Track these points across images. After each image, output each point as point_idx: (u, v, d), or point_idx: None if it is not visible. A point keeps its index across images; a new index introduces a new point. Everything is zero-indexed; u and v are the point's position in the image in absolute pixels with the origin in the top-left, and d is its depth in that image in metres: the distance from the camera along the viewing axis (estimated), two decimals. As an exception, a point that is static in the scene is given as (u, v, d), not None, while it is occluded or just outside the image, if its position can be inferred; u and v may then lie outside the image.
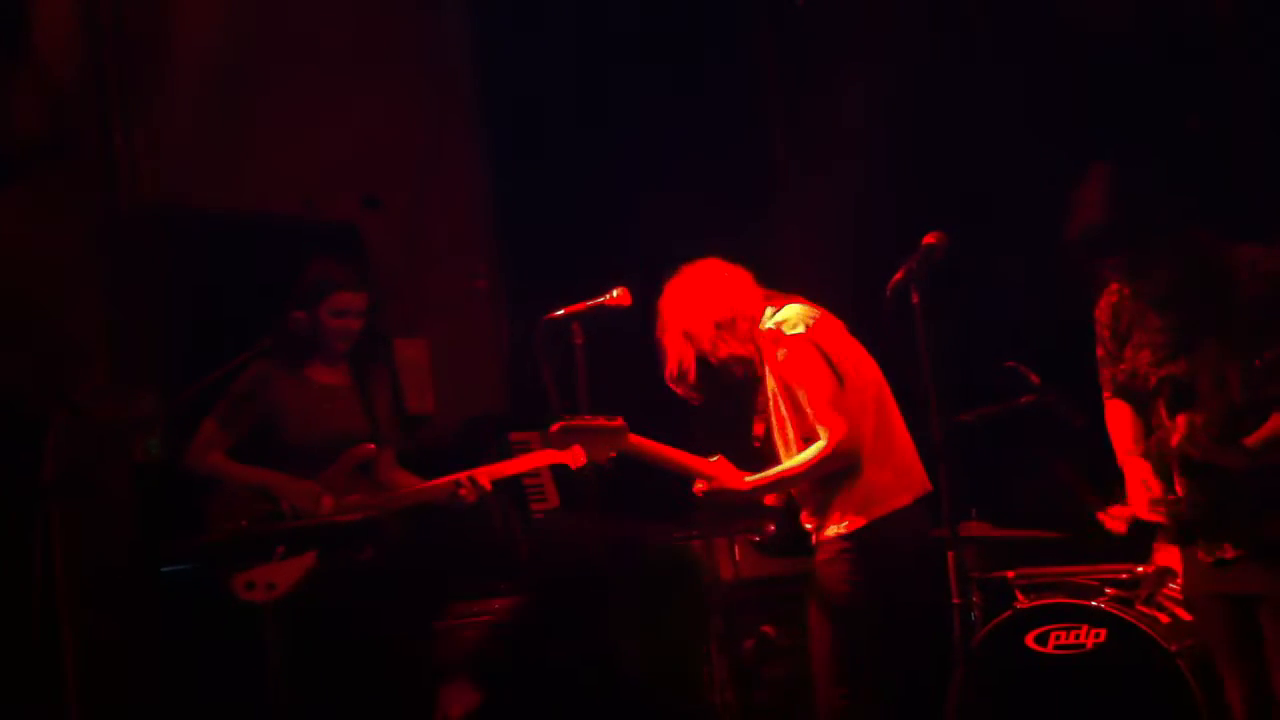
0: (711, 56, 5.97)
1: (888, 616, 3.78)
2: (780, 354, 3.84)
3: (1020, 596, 4.33)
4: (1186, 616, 4.35)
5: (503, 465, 4.24)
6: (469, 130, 6.64)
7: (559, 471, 4.29)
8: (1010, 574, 4.43)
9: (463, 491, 4.14)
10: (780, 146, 5.95)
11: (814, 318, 3.89)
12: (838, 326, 3.95)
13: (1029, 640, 4.15)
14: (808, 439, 3.84)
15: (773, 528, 3.95)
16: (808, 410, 3.81)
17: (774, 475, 3.86)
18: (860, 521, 3.81)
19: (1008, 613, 4.24)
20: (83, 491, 4.76)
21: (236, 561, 3.88)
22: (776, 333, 3.85)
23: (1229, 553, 3.25)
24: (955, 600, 3.58)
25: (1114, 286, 3.43)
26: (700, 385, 3.93)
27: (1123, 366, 3.42)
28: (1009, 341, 4.64)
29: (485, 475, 4.17)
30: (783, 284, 4.04)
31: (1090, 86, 5.07)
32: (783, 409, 3.90)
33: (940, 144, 5.31)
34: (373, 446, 4.29)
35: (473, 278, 6.47)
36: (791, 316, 3.88)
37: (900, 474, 3.87)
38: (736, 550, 4.71)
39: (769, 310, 3.93)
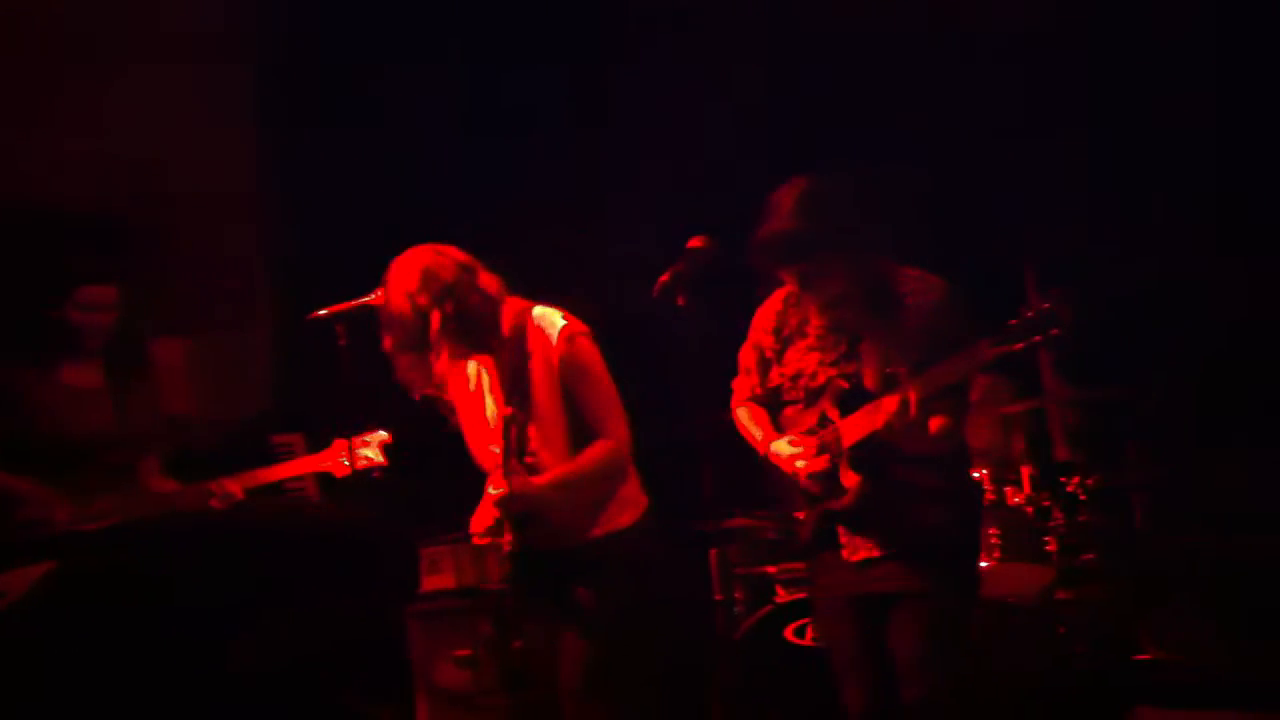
0: (485, 52, 5.98)
1: (651, 612, 3.82)
2: (570, 347, 3.73)
3: (780, 591, 4.46)
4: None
5: (261, 472, 4.16)
6: (243, 126, 6.48)
7: (325, 476, 4.23)
8: (772, 569, 4.57)
9: (214, 501, 4.03)
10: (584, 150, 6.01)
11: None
12: None
13: (788, 634, 4.27)
14: (577, 438, 3.79)
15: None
16: (591, 408, 3.74)
17: (567, 474, 3.72)
18: (624, 521, 3.80)
19: (768, 607, 4.36)
20: None
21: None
22: (571, 326, 3.76)
23: (875, 551, 3.43)
24: (718, 596, 3.64)
25: (778, 294, 3.62)
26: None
27: (784, 371, 3.59)
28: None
29: (240, 483, 4.07)
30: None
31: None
32: (553, 406, 3.77)
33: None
34: (123, 451, 4.15)
35: (241, 275, 6.31)
36: (566, 318, 3.84)
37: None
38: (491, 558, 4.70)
39: (536, 309, 3.89)
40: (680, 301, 3.54)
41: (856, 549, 3.45)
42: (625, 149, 5.81)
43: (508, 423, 3.62)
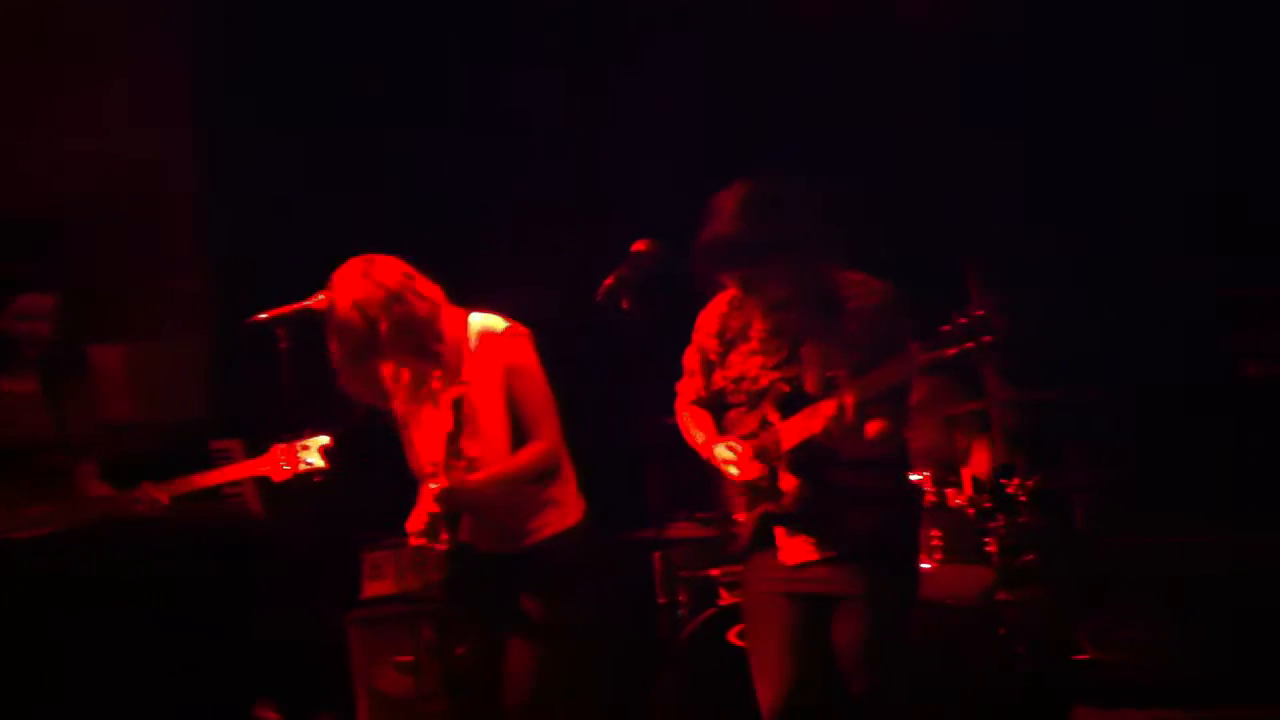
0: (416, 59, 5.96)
1: (594, 615, 3.83)
2: (513, 349, 3.79)
3: (724, 594, 4.47)
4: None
5: (197, 477, 4.12)
6: (183, 129, 6.41)
7: (264, 480, 4.19)
8: (716, 571, 4.57)
9: (140, 508, 4.00)
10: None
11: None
12: None
13: (732, 636, 4.28)
14: (518, 441, 3.81)
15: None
16: (528, 409, 3.79)
17: (501, 473, 3.76)
18: (563, 525, 3.83)
19: (711, 610, 4.37)
20: None
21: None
22: (514, 328, 3.82)
23: (813, 554, 3.44)
24: (661, 600, 3.64)
25: (722, 297, 3.62)
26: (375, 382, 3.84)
27: (727, 374, 3.60)
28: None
29: (177, 488, 4.04)
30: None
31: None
32: (495, 409, 3.81)
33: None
34: (60, 457, 4.11)
35: (180, 279, 6.24)
36: (511, 322, 3.87)
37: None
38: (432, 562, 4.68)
39: (474, 315, 3.90)
40: (625, 305, 3.54)
41: (794, 552, 3.46)
42: (566, 151, 5.80)
43: (456, 406, 3.64)
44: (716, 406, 3.66)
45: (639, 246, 3.61)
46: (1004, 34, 5.47)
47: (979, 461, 4.97)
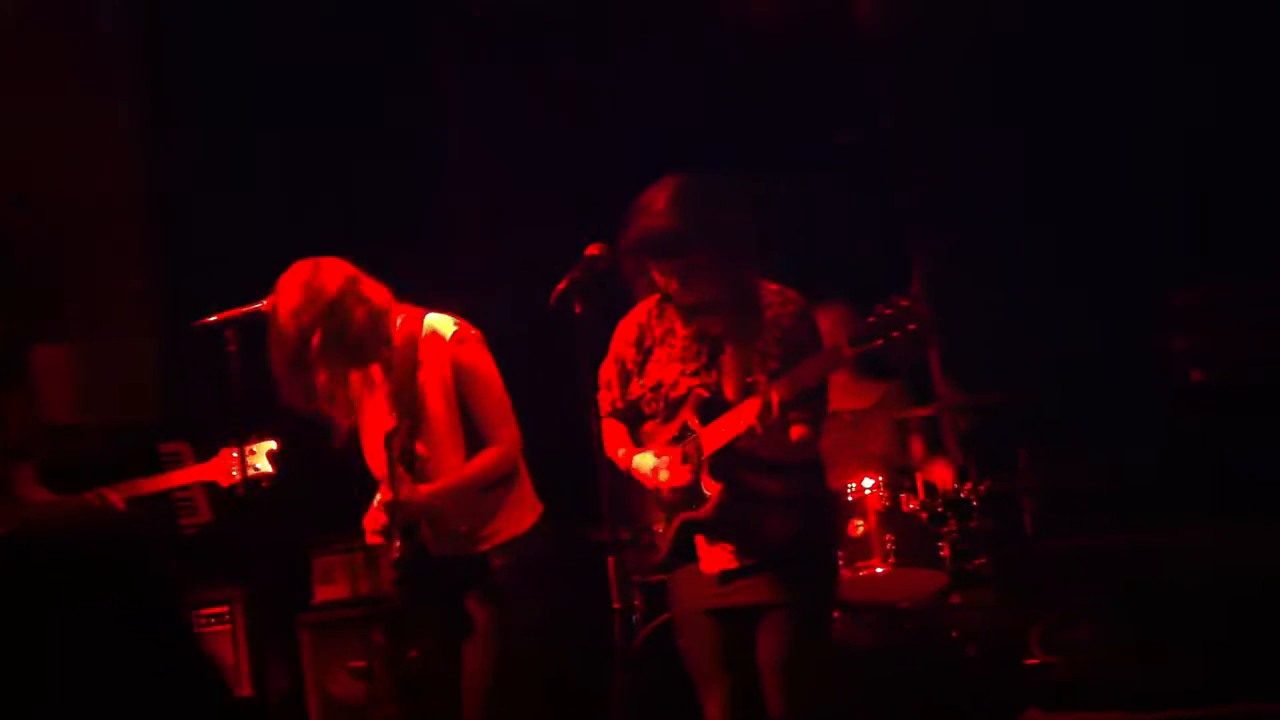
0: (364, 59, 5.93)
1: (548, 618, 3.81)
2: (461, 351, 3.78)
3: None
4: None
5: (144, 482, 4.06)
6: (128, 126, 6.33)
7: (213, 485, 4.14)
8: (665, 577, 4.54)
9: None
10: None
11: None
12: None
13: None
14: (472, 443, 3.79)
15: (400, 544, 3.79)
16: (481, 412, 3.78)
17: (454, 482, 3.75)
18: (520, 528, 3.82)
19: (666, 615, 4.34)
20: None
21: None
22: (463, 330, 3.80)
23: (733, 562, 3.43)
24: (615, 604, 3.62)
25: (641, 306, 3.62)
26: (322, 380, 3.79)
27: (645, 382, 3.59)
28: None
29: (122, 493, 3.97)
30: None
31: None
32: (446, 412, 3.80)
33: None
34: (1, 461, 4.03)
35: (127, 279, 6.16)
36: (458, 323, 3.84)
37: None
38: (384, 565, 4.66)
39: (428, 316, 3.87)
40: (577, 309, 3.52)
41: (714, 560, 3.45)
42: (520, 154, 5.79)
43: (388, 437, 3.63)
44: (631, 419, 3.64)
45: (592, 250, 3.59)
46: (971, 33, 5.50)
47: (938, 473, 4.98)
